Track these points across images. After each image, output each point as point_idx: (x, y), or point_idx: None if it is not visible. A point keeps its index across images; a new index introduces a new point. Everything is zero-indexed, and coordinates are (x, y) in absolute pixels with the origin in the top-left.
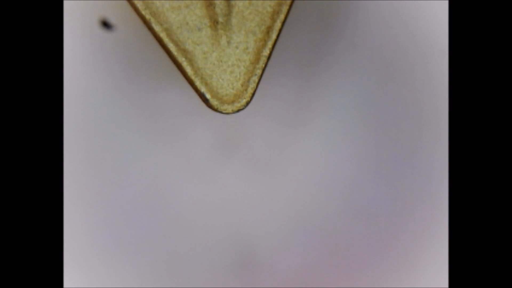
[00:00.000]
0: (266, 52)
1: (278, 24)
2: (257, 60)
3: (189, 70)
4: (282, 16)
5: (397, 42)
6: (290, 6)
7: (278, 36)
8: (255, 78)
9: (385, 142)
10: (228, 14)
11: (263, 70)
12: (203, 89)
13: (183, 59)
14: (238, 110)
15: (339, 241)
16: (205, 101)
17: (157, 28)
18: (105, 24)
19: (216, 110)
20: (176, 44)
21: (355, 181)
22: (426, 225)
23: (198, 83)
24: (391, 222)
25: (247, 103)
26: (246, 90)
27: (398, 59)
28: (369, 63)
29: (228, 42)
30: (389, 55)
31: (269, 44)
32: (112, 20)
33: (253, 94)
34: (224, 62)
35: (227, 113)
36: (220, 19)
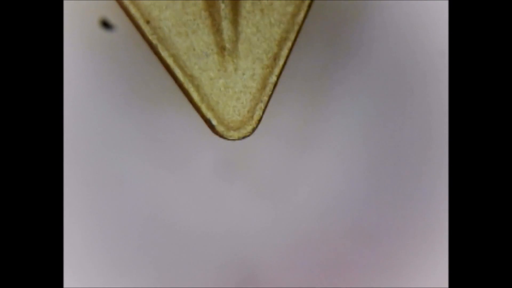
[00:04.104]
0: (273, 79)
1: (285, 51)
2: (263, 87)
3: (195, 96)
4: (289, 44)
5: (397, 42)
6: (298, 33)
7: (285, 63)
8: (262, 105)
9: (389, 165)
10: (236, 40)
11: (270, 97)
12: (209, 115)
13: (190, 85)
14: (244, 137)
15: (342, 264)
16: (211, 127)
17: (164, 53)
18: (105, 24)
19: (222, 136)
20: (182, 69)
21: (358, 204)
22: (426, 225)
23: (204, 109)
24: (391, 230)
25: (253, 130)
26: (252, 117)
27: (397, 63)
28: (375, 83)
29: (235, 69)
30: (389, 60)
31: (276, 71)
32: (112, 20)
33: (259, 121)
34: (231, 89)
35: (233, 140)
36: (227, 46)
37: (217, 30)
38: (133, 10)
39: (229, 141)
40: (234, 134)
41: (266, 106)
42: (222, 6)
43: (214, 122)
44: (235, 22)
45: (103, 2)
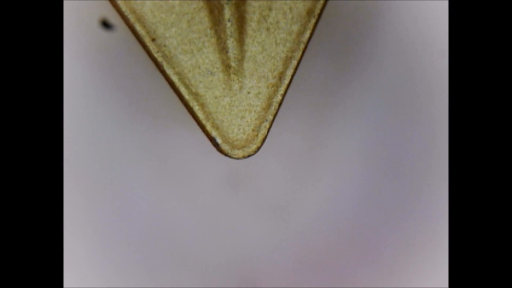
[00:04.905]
0: (278, 98)
1: (290, 70)
2: (268, 105)
3: (200, 114)
4: (294, 62)
5: (400, 50)
6: (303, 52)
7: (290, 82)
8: (266, 124)
9: (394, 182)
10: (241, 59)
11: (275, 116)
12: (214, 134)
13: (195, 103)
14: (249, 156)
15: (342, 276)
16: (216, 145)
17: (169, 71)
18: (105, 24)
19: (226, 155)
20: (187, 88)
21: (363, 220)
22: (426, 225)
23: (209, 127)
24: (391, 231)
25: (258, 149)
26: (257, 135)
27: (401, 70)
28: (381, 98)
29: (240, 87)
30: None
31: (281, 90)
32: (112, 21)
33: (264, 139)
34: (236, 107)
35: (238, 158)
36: (233, 64)
37: (222, 48)
38: (139, 28)
39: (234, 159)
40: (239, 152)
41: (271, 125)
42: (228, 24)
43: (219, 140)
44: (240, 41)
45: (103, 2)
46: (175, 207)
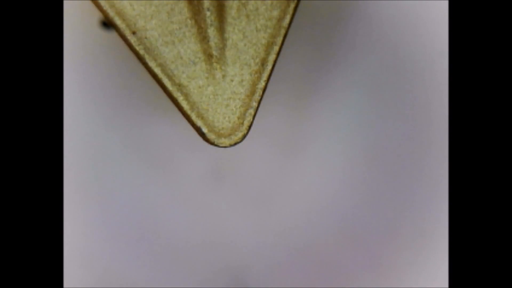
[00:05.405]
0: (261, 84)
1: (272, 56)
2: (252, 92)
3: (185, 104)
4: (276, 48)
5: (396, 42)
6: (284, 37)
7: (273, 67)
8: (251, 111)
9: (382, 169)
10: (222, 47)
11: (259, 102)
12: (199, 123)
13: (179, 93)
14: (235, 143)
15: (338, 268)
16: (202, 135)
17: (151, 63)
18: (105, 25)
19: (213, 144)
20: (171, 79)
21: (353, 207)
22: (426, 224)
23: (194, 117)
24: (390, 230)
25: (244, 136)
26: (242, 123)
27: (396, 63)
28: (367, 85)
29: (223, 76)
30: (388, 59)
31: (264, 76)
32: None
33: (250, 126)
34: (220, 96)
35: (224, 147)
36: (215, 53)
37: (203, 37)
38: (119, 22)
39: (220, 148)
40: (225, 141)
41: (256, 112)
42: (208, 13)
43: (204, 130)
44: (221, 29)
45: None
46: (163, 198)
